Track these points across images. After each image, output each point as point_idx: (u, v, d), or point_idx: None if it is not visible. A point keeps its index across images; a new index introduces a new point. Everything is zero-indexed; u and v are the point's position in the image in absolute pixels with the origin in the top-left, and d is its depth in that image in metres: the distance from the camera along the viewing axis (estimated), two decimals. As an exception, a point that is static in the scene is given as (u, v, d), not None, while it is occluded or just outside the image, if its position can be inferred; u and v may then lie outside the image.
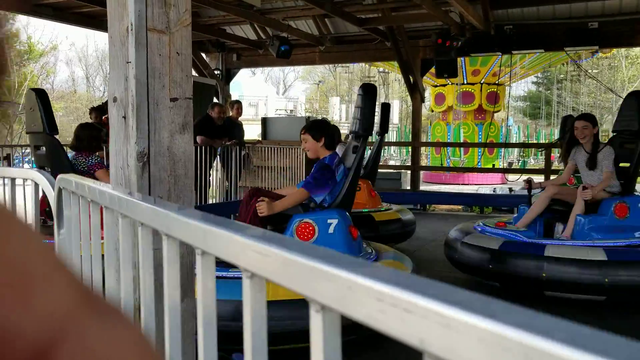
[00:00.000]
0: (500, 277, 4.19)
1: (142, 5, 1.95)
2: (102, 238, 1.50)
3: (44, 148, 4.28)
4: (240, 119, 8.45)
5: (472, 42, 8.80)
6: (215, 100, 10.22)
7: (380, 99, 40.66)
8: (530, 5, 8.58)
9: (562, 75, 30.83)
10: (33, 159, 4.44)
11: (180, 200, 2.04)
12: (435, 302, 0.30)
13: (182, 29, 2.01)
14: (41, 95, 4.36)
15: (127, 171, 2.04)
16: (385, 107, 7.31)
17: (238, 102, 8.52)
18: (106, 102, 7.26)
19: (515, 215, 4.92)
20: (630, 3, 8.25)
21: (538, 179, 7.12)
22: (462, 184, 14.69)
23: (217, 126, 7.56)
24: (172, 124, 1.99)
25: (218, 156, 7.86)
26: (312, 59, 10.59)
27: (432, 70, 9.63)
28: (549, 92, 33.55)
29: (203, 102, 9.65)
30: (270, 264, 0.51)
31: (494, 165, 15.21)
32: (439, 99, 16.29)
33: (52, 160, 4.21)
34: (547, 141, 21.87)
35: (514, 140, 24.37)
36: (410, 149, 14.27)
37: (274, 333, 2.63)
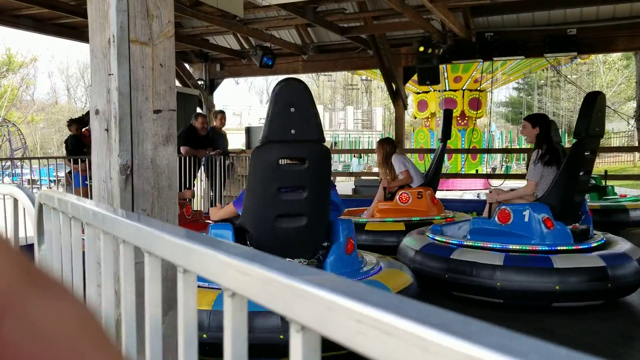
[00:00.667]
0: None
1: (125, 16, 1.94)
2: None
3: None
4: (224, 128, 8.44)
5: (454, 50, 8.89)
6: (199, 110, 10.19)
7: (364, 106, 40.83)
8: (510, 13, 8.69)
9: (542, 81, 31.25)
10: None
11: (164, 212, 2.03)
12: (414, 324, 0.31)
13: (165, 40, 2.01)
14: None
15: (109, 184, 2.03)
16: (448, 114, 7.19)
17: (221, 112, 8.51)
18: (86, 114, 7.24)
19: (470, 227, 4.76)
20: (607, 10, 8.39)
21: (516, 184, 7.27)
22: (446, 190, 14.78)
23: (201, 136, 7.54)
24: (155, 136, 1.98)
25: (202, 166, 7.83)
26: (295, 68, 10.61)
27: (415, 77, 9.71)
28: (530, 97, 33.97)
29: (187, 113, 9.61)
30: (251, 283, 0.50)
31: (477, 170, 15.32)
32: (422, 105, 16.40)
33: None
34: (530, 146, 22.10)
35: (496, 145, 24.60)
36: (394, 156, 14.32)
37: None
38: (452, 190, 14.70)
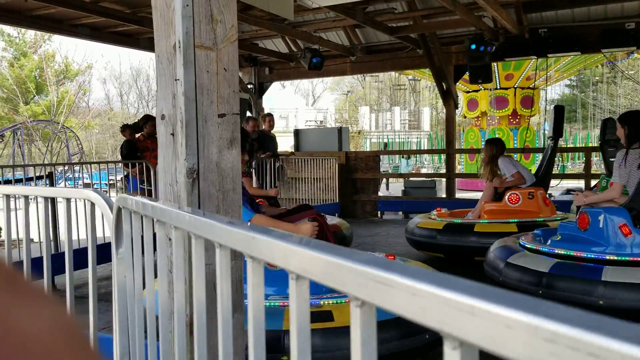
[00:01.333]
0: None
1: (190, 22, 1.97)
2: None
3: None
4: (272, 131, 8.51)
5: (506, 47, 8.70)
6: (248, 114, 10.32)
7: (411, 106, 40.46)
8: (564, 8, 8.44)
9: (597, 78, 30.20)
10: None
11: (228, 215, 2.05)
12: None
13: (228, 44, 2.02)
14: None
15: (176, 188, 2.06)
16: (559, 110, 6.91)
17: (270, 115, 8.59)
18: (141, 119, 7.41)
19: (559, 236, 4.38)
20: (669, 1, 8.04)
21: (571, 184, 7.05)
22: (498, 191, 14.46)
23: (251, 140, 7.62)
24: (220, 140, 2.00)
25: (253, 169, 7.91)
26: (343, 69, 10.61)
27: (465, 76, 9.55)
28: (583, 94, 32.90)
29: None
30: (313, 265, 0.54)
31: (530, 170, 14.92)
32: (472, 104, 16.11)
33: None
34: (583, 145, 21.43)
35: (549, 144, 23.90)
36: (443, 157, 14.13)
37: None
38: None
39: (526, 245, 4.20)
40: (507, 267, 4.00)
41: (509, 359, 0.31)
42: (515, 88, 14.79)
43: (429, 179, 12.08)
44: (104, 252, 2.28)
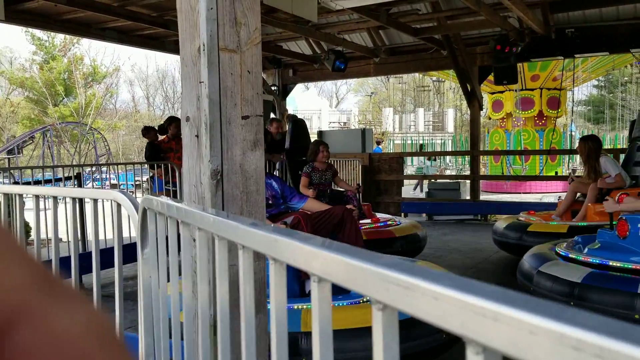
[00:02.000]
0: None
1: (214, 25, 1.99)
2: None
3: None
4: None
5: (532, 47, 8.59)
6: (272, 115, 10.37)
7: (434, 107, 40.17)
8: (592, 7, 8.30)
9: (626, 78, 29.60)
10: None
11: (252, 216, 2.06)
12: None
13: (252, 47, 2.04)
14: None
15: (200, 189, 2.08)
16: None
17: (293, 117, 8.61)
18: (166, 120, 7.50)
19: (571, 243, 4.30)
20: (701, -1, 7.85)
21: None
22: (523, 193, 14.27)
23: (275, 141, 7.66)
24: (244, 142, 2.02)
25: (277, 170, 7.95)
26: (366, 71, 10.59)
27: (490, 77, 9.45)
28: (612, 95, 32.29)
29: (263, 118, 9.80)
30: (335, 268, 0.54)
31: (556, 172, 14.71)
32: (497, 105, 15.94)
33: None
34: (611, 146, 21.02)
35: (575, 146, 23.52)
36: (467, 158, 14.00)
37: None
38: (530, 192, 14.18)
39: (561, 253, 4.00)
40: (539, 276, 3.79)
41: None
42: (542, 89, 14.59)
43: (453, 180, 11.97)
44: (129, 252, 2.32)
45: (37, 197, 2.41)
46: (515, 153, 14.24)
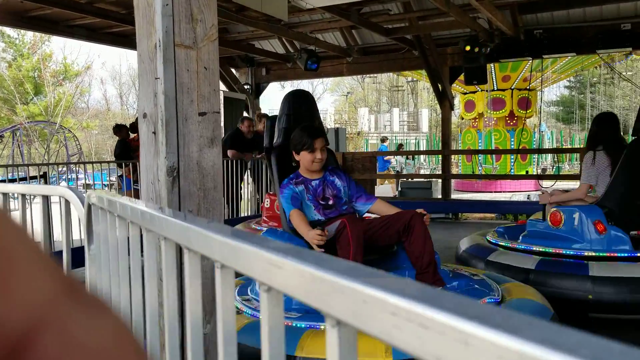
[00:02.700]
0: None
1: (170, 21, 1.98)
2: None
3: None
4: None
5: (501, 48, 8.71)
6: (245, 114, 10.33)
7: (410, 107, 40.43)
8: (560, 9, 8.45)
9: (595, 79, 30.23)
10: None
11: (210, 213, 2.06)
12: (452, 316, 0.29)
13: (209, 43, 2.03)
14: None
15: (157, 186, 2.07)
16: None
17: (265, 116, 8.57)
18: (136, 119, 7.43)
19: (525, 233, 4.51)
20: (664, 2, 8.05)
21: (567, 185, 7.01)
22: (494, 192, 14.47)
23: (247, 140, 7.64)
24: (200, 138, 2.01)
25: (249, 169, 7.93)
26: (339, 70, 10.62)
27: (461, 77, 9.56)
28: (582, 96, 32.92)
29: (234, 117, 9.76)
30: (286, 276, 0.49)
31: (527, 171, 14.94)
32: (469, 106, 16.12)
33: None
34: (581, 146, 21.44)
35: (547, 145, 23.94)
36: (440, 158, 14.13)
37: None
38: (500, 191, 14.38)
39: (499, 243, 4.34)
40: (489, 265, 4.05)
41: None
42: (512, 89, 14.80)
43: (425, 179, 12.08)
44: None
45: (5, 195, 2.37)
46: (485, 152, 14.43)
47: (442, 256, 6.21)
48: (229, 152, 7.35)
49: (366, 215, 3.41)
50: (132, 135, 7.34)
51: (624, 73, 24.82)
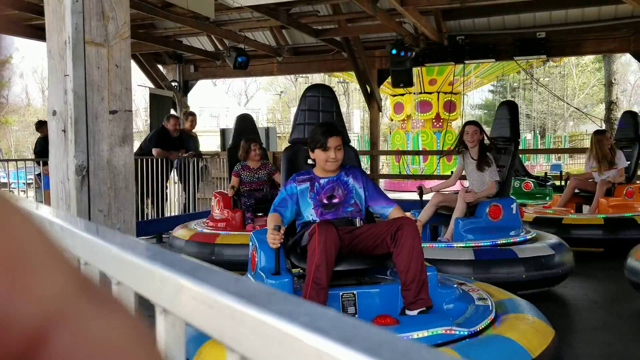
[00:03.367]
0: None
1: (80, 18, 1.94)
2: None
3: None
4: (201, 130, 8.41)
5: (427, 52, 8.99)
6: (172, 112, 10.14)
7: (342, 108, 40.86)
8: (481, 16, 8.81)
9: (516, 84, 31.66)
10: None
11: (121, 213, 2.03)
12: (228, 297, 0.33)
13: (121, 41, 2.01)
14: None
15: (67, 185, 2.03)
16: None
17: (192, 114, 8.47)
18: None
19: None
20: (575, 14, 8.56)
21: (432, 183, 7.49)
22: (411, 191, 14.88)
23: (173, 138, 7.50)
24: (111, 137, 1.99)
25: (175, 168, 7.79)
26: (270, 69, 10.62)
27: (389, 80, 9.78)
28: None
29: (161, 114, 9.56)
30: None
31: (452, 172, 15.45)
32: (398, 108, 16.52)
33: None
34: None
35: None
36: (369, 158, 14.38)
37: None
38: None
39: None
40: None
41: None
42: (439, 92, 15.30)
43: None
44: None
45: None
46: (411, 153, 14.83)
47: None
48: (154, 151, 7.20)
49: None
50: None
51: (542, 79, 26.17)
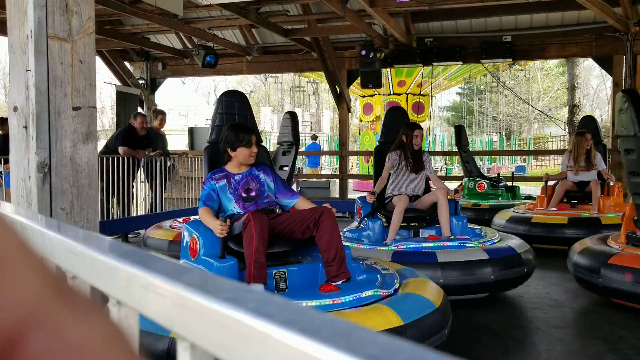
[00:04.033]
0: None
1: (42, 12, 1.91)
2: None
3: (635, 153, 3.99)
4: (169, 129, 8.30)
5: (396, 54, 9.07)
6: (140, 110, 10.00)
7: (312, 108, 40.90)
8: (449, 19, 8.94)
9: (482, 87, 32.22)
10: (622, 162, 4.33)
11: (84, 211, 2.00)
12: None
13: (85, 37, 1.98)
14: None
15: (28, 183, 1.99)
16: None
17: (162, 113, 8.36)
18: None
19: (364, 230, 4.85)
20: (540, 18, 8.76)
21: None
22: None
23: (140, 136, 7.39)
24: (74, 134, 1.96)
25: (142, 167, 7.68)
26: (239, 68, 10.57)
27: (358, 80, 9.84)
28: (471, 102, 34.95)
29: (128, 112, 9.42)
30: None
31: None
32: (367, 109, 16.62)
33: None
34: (474, 149, 22.68)
35: (438, 148, 25.16)
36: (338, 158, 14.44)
37: None
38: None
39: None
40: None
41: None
42: (407, 94, 15.44)
43: (324, 179, 12.32)
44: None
45: None
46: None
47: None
48: (120, 149, 7.08)
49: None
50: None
51: (507, 82, 26.67)
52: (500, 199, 8.40)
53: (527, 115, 33.91)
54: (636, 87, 8.15)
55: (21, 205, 2.00)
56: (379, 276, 3.18)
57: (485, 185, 8.73)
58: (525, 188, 12.78)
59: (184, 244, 3.33)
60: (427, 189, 5.08)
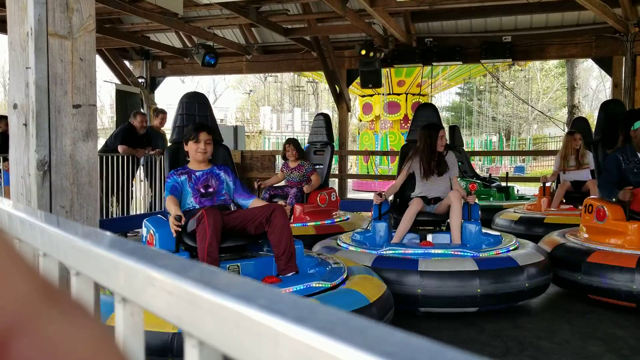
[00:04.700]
0: None
1: (43, 9, 1.90)
2: None
3: None
4: (169, 128, 8.27)
5: (395, 54, 9.07)
6: (140, 109, 9.99)
7: (311, 108, 40.89)
8: (449, 19, 8.94)
9: (482, 87, 32.21)
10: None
11: (84, 209, 2.00)
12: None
13: (85, 34, 1.97)
14: None
15: (28, 181, 1.98)
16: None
17: (163, 112, 8.34)
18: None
19: (370, 232, 4.63)
20: (540, 19, 8.76)
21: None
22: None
23: (139, 135, 7.38)
24: (74, 131, 1.95)
25: (141, 166, 7.67)
26: (238, 68, 10.56)
27: (358, 80, 9.84)
28: (471, 102, 34.96)
29: (128, 111, 9.41)
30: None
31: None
32: (367, 108, 16.61)
33: None
34: (473, 149, 22.70)
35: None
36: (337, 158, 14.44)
37: None
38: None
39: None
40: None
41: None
42: (407, 94, 15.43)
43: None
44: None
45: None
46: (379, 154, 14.93)
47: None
48: (120, 148, 7.07)
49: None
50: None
51: (507, 83, 26.70)
52: (491, 199, 8.42)
53: (527, 115, 33.91)
54: (635, 88, 8.16)
55: (20, 202, 1.99)
56: (327, 269, 3.36)
57: (477, 185, 8.74)
58: (525, 188, 12.78)
59: (143, 240, 3.51)
60: None
